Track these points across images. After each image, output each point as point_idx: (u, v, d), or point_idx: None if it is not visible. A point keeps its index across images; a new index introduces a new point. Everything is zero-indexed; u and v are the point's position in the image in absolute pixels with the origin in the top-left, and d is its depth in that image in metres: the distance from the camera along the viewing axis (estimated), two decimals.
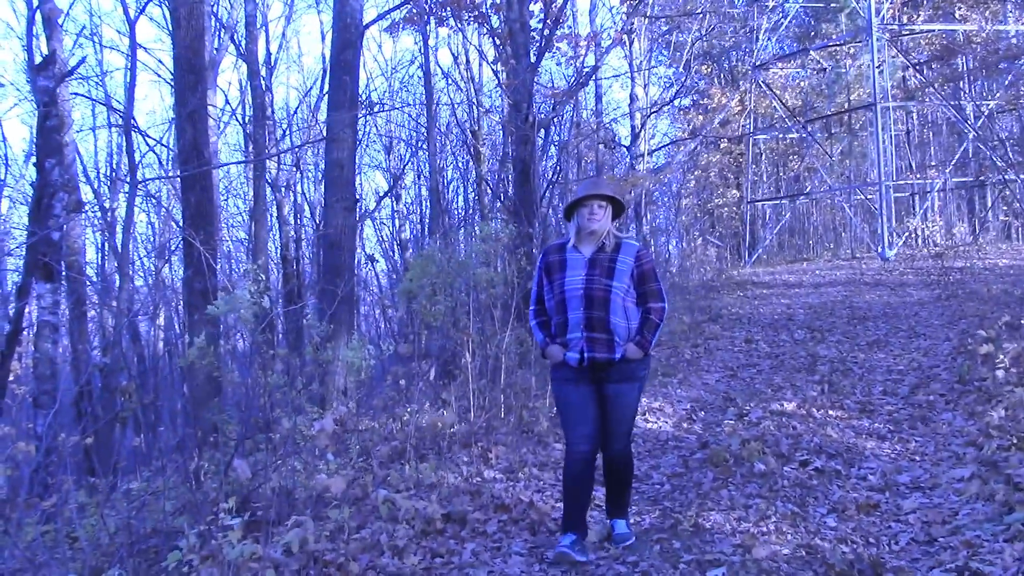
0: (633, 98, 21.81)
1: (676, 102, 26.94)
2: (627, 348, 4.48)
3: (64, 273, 9.26)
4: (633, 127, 21.82)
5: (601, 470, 4.87)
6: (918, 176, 27.80)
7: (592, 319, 4.46)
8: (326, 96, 15.46)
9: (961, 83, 24.54)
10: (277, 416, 6.21)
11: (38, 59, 9.31)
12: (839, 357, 10.57)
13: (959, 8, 23.25)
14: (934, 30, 24.64)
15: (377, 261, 23.48)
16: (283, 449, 5.70)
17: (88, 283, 12.75)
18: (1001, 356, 7.96)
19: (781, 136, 29.27)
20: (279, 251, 21.99)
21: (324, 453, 5.75)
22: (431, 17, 16.19)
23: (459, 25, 17.32)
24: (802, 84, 30.26)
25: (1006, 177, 19.98)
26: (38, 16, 10.16)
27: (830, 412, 7.77)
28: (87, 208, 16.63)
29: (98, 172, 24.10)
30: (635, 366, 4.53)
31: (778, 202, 30.64)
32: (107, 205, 19.58)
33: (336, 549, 4.64)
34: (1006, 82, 22.76)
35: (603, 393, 4.53)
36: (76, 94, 13.88)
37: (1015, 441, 5.74)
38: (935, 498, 5.20)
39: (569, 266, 4.56)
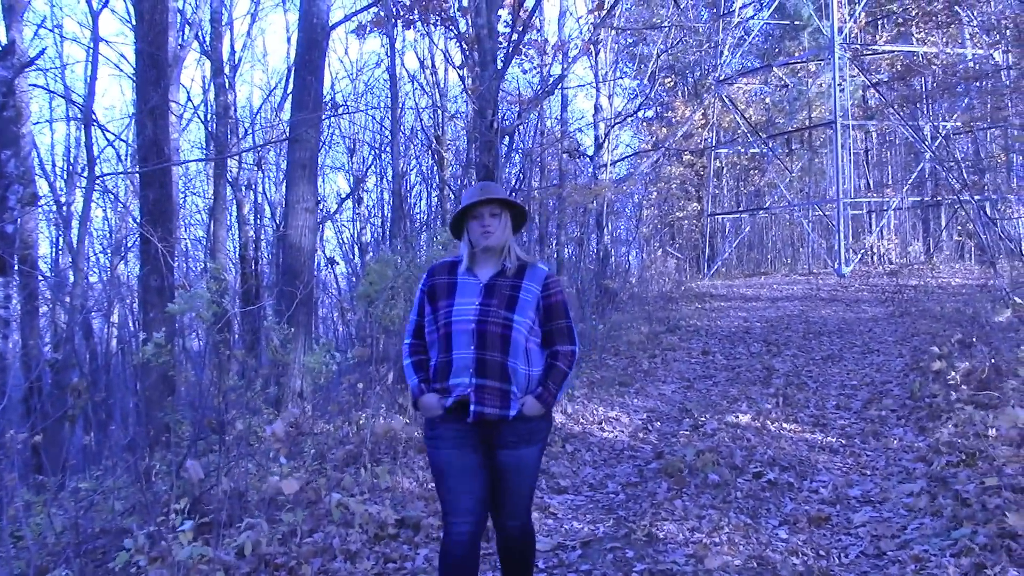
0: (597, 108, 21.89)
1: (640, 114, 27.11)
2: (524, 402, 3.49)
3: (17, 267, 9.10)
4: (597, 137, 21.90)
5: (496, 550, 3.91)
6: (875, 194, 28.21)
7: (484, 362, 3.46)
8: (290, 96, 15.34)
9: (920, 104, 24.91)
10: (231, 417, 6.15)
11: None
12: (794, 371, 10.67)
13: (920, 31, 23.64)
14: (894, 51, 25.05)
15: (337, 263, 23.34)
16: (236, 451, 5.64)
17: (41, 278, 12.54)
18: (953, 373, 8.09)
19: (743, 151, 29.61)
20: (238, 251, 21.78)
21: (278, 456, 5.70)
22: (398, 20, 16.14)
23: (426, 29, 17.31)
24: (765, 100, 30.61)
25: (960, 198, 20.29)
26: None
27: (784, 425, 7.84)
28: (42, 202, 16.37)
29: (54, 165, 23.76)
30: (535, 425, 3.55)
31: (738, 216, 30.94)
32: (63, 199, 19.30)
33: (288, 553, 4.61)
34: (963, 104, 23.15)
35: (494, 460, 3.55)
36: (35, 85, 13.66)
37: (964, 458, 5.83)
38: (885, 512, 5.27)
39: (459, 292, 3.59)
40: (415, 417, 7.14)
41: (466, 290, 3.58)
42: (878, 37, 25.93)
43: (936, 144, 23.52)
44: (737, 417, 8.13)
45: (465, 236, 3.65)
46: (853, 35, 24.06)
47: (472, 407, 3.44)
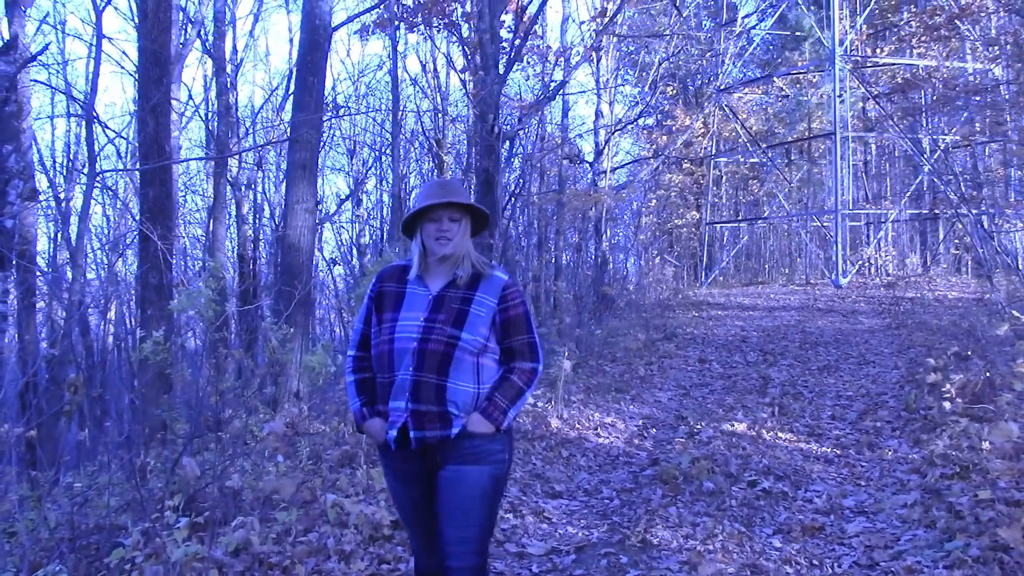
0: (598, 115, 21.94)
1: (640, 121, 27.19)
2: (469, 419, 3.08)
3: (15, 262, 9.10)
4: (597, 143, 21.94)
5: None
6: (874, 206, 28.27)
7: (420, 385, 3.04)
8: (291, 97, 15.36)
9: (919, 117, 24.98)
10: (228, 416, 6.15)
11: (0, 43, 9.16)
12: (790, 380, 10.69)
13: (920, 44, 23.71)
14: (895, 64, 25.12)
15: (338, 264, 23.36)
16: (232, 449, 5.64)
17: (39, 273, 12.54)
18: (948, 386, 8.10)
19: (742, 160, 29.66)
20: (236, 250, 21.78)
21: (274, 455, 5.70)
22: (401, 23, 16.18)
23: (429, 32, 17.35)
24: (766, 110, 30.68)
25: (958, 211, 20.36)
26: (1, 0, 10.01)
27: (779, 434, 7.86)
28: (42, 197, 16.37)
29: (55, 161, 23.74)
30: (481, 444, 3.09)
31: (736, 225, 30.99)
32: (63, 195, 19.29)
33: (282, 552, 4.61)
34: (962, 118, 23.22)
35: (435, 481, 3.13)
36: (37, 81, 13.67)
37: (958, 470, 5.84)
38: (878, 523, 5.28)
39: (406, 304, 3.17)
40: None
41: (414, 302, 3.17)
42: (879, 50, 25.99)
43: (935, 157, 23.59)
44: (733, 425, 8.14)
45: (418, 238, 3.21)
46: (854, 47, 24.13)
47: (411, 433, 3.06)
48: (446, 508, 3.07)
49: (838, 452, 7.23)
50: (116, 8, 24.04)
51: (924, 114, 24.86)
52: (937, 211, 26.19)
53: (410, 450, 3.09)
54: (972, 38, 22.37)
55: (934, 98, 23.13)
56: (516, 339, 3.18)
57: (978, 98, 21.34)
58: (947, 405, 7.70)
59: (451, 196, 3.14)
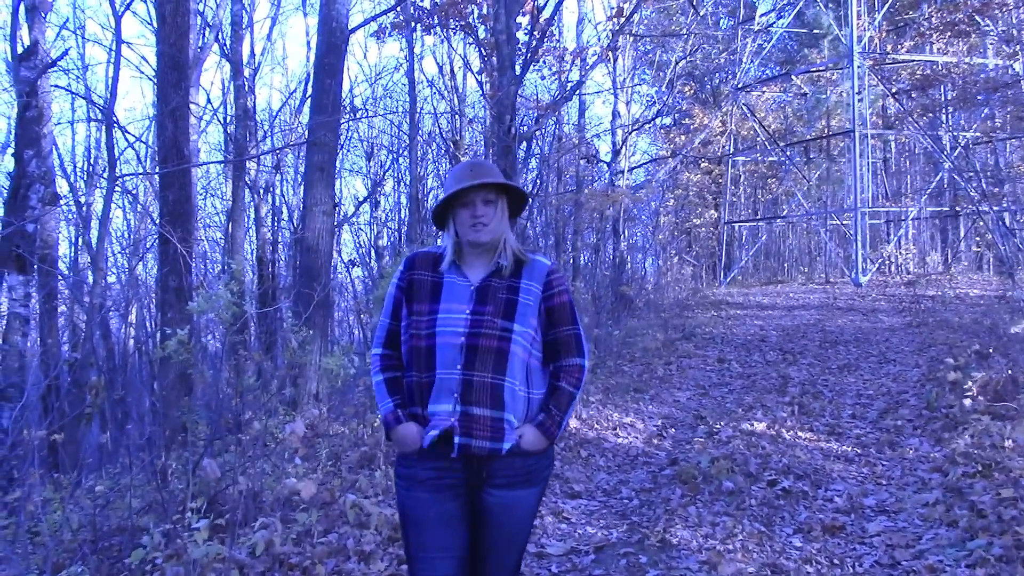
0: (615, 115, 21.90)
1: (658, 121, 27.13)
2: (522, 433, 2.78)
3: (36, 266, 9.17)
4: (614, 143, 21.91)
5: None
6: (893, 204, 28.11)
7: (472, 385, 2.74)
8: (309, 99, 15.43)
9: (939, 114, 24.84)
10: (248, 418, 6.18)
11: (20, 49, 9.23)
12: (810, 379, 10.64)
13: (939, 40, 23.57)
14: (914, 60, 24.97)
15: (356, 266, 23.42)
16: (252, 451, 5.67)
17: (61, 277, 12.63)
18: (969, 384, 8.05)
19: (760, 159, 29.54)
20: (255, 253, 21.89)
21: (294, 456, 5.73)
22: (417, 25, 16.24)
23: (445, 34, 17.39)
24: (785, 108, 30.56)
25: (979, 208, 20.25)
26: (22, 6, 10.09)
27: (799, 433, 7.82)
28: (63, 202, 16.50)
29: (75, 166, 23.92)
30: (535, 462, 2.83)
31: (755, 224, 30.88)
32: (83, 199, 19.44)
33: (302, 553, 4.63)
34: (983, 114, 23.06)
35: (478, 504, 2.81)
36: (57, 86, 13.78)
37: (980, 468, 5.80)
38: (900, 522, 5.25)
39: (446, 295, 2.85)
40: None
41: (454, 293, 2.85)
42: (898, 46, 25.84)
43: (955, 154, 23.45)
44: (752, 425, 8.11)
45: (451, 227, 2.91)
46: (873, 44, 24.00)
47: (456, 439, 2.73)
48: (492, 537, 2.82)
49: (859, 451, 7.19)
50: (135, 13, 24.16)
51: (944, 110, 24.73)
52: (958, 208, 26.03)
53: (447, 459, 2.76)
54: (992, 33, 22.21)
55: (954, 94, 23.00)
56: (562, 330, 2.88)
57: (998, 94, 21.21)
58: (969, 403, 7.66)
59: (484, 177, 2.83)
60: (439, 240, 3.13)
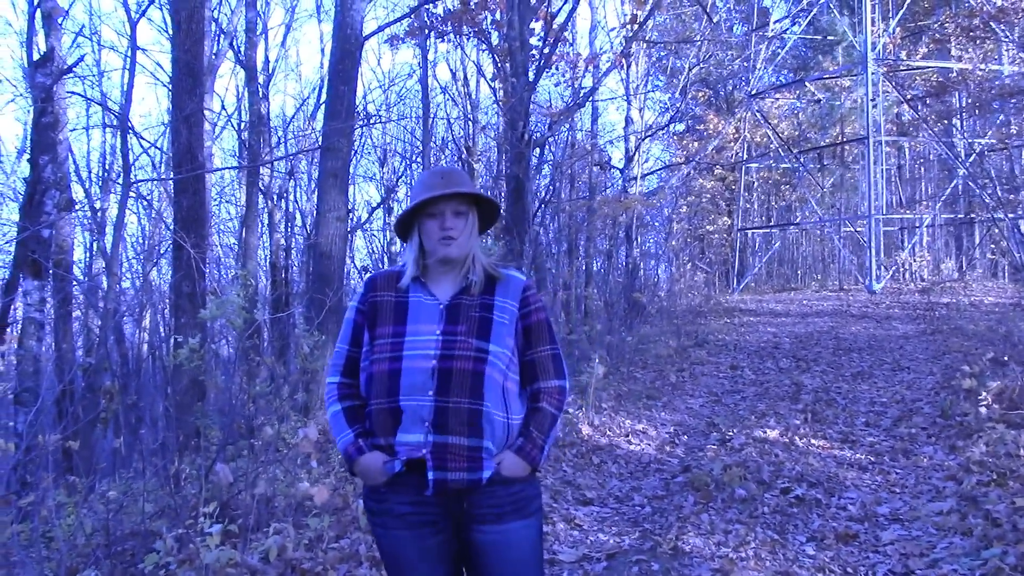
0: (628, 121, 21.90)
1: (671, 127, 27.10)
2: (501, 459, 2.55)
3: (51, 271, 9.22)
4: (627, 150, 21.91)
5: None
6: (908, 211, 28.00)
7: (447, 412, 2.48)
8: (323, 105, 15.47)
9: (954, 120, 24.74)
10: (260, 423, 6.19)
11: (36, 56, 9.30)
12: (823, 387, 10.60)
13: (955, 46, 23.48)
14: (929, 67, 24.88)
15: (369, 272, 23.46)
16: (265, 456, 5.68)
17: (75, 282, 12.70)
18: (984, 392, 8.00)
19: (774, 165, 29.48)
20: (268, 258, 21.95)
21: (307, 461, 5.74)
22: (431, 32, 16.27)
23: (459, 41, 17.43)
24: (797, 115, 30.49)
25: (994, 215, 20.15)
26: (38, 13, 10.17)
27: (812, 441, 7.79)
28: (78, 207, 16.59)
29: (90, 172, 24.05)
30: (521, 490, 2.58)
31: (768, 231, 30.80)
32: (98, 205, 19.53)
33: (314, 558, 4.64)
34: (998, 121, 22.95)
35: (469, 543, 2.57)
36: (72, 93, 13.87)
37: (995, 477, 5.77)
38: (914, 530, 5.22)
39: (412, 315, 2.60)
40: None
41: (421, 313, 2.61)
42: (915, 53, 25.76)
43: (970, 161, 23.34)
44: (765, 432, 8.08)
45: (414, 239, 2.66)
46: (887, 51, 23.93)
47: (430, 474, 2.49)
48: None
49: (872, 459, 7.16)
50: (150, 20, 24.32)
51: (959, 117, 24.61)
52: (973, 215, 25.92)
53: (422, 495, 2.53)
54: (1008, 40, 22.11)
55: (969, 101, 22.90)
56: (540, 350, 2.66)
57: (1014, 100, 21.10)
58: (983, 411, 7.61)
59: (456, 186, 2.59)
60: None
